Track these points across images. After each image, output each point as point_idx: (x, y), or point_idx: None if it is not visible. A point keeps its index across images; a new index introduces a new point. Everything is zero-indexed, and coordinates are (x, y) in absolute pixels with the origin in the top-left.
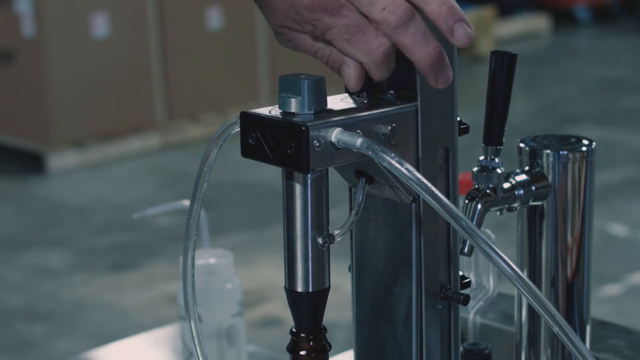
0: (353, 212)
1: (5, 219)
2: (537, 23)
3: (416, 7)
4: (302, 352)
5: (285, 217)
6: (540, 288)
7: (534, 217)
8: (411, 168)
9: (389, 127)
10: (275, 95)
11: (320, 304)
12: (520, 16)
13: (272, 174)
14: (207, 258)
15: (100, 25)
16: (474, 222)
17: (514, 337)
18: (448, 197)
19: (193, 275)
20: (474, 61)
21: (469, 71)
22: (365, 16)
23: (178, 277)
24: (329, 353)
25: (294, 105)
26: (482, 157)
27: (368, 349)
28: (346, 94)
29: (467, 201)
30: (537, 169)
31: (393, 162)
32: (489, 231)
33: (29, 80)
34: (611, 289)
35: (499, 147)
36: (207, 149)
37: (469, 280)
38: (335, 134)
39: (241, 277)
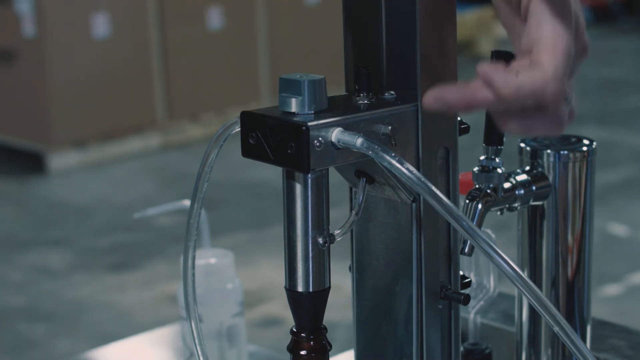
0: (353, 212)
1: (6, 219)
2: None
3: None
4: (303, 352)
5: (286, 217)
6: (540, 288)
7: (535, 217)
8: (411, 168)
9: (389, 127)
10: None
11: (321, 303)
12: None
13: (272, 174)
14: (207, 258)
15: (100, 25)
16: (475, 222)
17: (514, 337)
18: (448, 197)
19: (193, 275)
20: (474, 61)
21: (469, 71)
22: None
23: (178, 277)
24: (330, 353)
25: (294, 105)
26: (482, 157)
27: (368, 349)
28: (346, 94)
29: (467, 201)
30: (538, 169)
31: (393, 161)
32: (489, 231)
33: (29, 80)
34: (611, 289)
35: (499, 147)
36: (207, 149)
37: (469, 280)
38: (335, 134)
39: (241, 277)
